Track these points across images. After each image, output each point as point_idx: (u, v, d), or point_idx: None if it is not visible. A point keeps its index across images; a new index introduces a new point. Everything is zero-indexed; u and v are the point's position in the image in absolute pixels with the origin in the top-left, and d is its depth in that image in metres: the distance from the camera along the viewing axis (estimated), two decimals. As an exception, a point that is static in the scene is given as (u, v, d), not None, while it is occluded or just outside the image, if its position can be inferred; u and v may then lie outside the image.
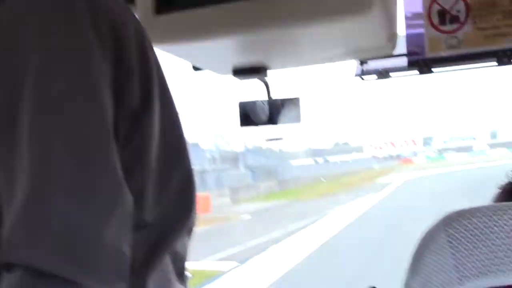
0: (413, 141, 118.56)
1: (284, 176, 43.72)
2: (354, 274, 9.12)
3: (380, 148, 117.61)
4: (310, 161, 78.49)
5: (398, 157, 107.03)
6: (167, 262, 0.74)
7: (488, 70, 1.52)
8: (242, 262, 11.80)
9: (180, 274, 0.78)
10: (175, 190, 0.77)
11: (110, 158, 0.62)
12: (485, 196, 1.04)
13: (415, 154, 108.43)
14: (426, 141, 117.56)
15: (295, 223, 17.51)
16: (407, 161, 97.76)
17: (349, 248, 12.56)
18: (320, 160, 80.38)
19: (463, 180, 31.21)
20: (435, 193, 24.05)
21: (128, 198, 0.62)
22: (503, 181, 1.06)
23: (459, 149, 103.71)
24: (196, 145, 34.27)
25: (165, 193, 0.75)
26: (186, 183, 0.79)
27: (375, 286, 2.06)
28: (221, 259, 12.42)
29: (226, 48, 1.23)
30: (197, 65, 1.39)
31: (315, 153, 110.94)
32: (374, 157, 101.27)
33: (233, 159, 41.07)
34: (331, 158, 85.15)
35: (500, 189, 1.00)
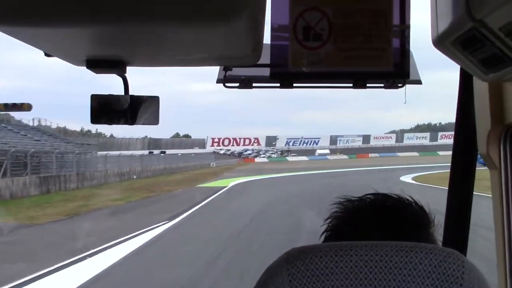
0: (257, 139, 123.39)
1: (75, 169, 35.92)
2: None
3: (223, 144, 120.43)
4: (145, 152, 77.26)
5: (240, 154, 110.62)
6: None
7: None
8: None
9: None
10: None
11: None
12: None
13: (257, 153, 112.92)
14: (270, 140, 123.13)
15: None
16: (248, 160, 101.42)
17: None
18: (157, 151, 79.87)
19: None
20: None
21: None
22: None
23: (302, 152, 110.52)
24: None
25: None
26: None
27: None
28: None
29: (78, 38, 1.19)
30: (48, 52, 1.34)
31: (154, 142, 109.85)
32: (215, 152, 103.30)
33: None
34: (170, 151, 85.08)
35: (331, 216, 1.01)
